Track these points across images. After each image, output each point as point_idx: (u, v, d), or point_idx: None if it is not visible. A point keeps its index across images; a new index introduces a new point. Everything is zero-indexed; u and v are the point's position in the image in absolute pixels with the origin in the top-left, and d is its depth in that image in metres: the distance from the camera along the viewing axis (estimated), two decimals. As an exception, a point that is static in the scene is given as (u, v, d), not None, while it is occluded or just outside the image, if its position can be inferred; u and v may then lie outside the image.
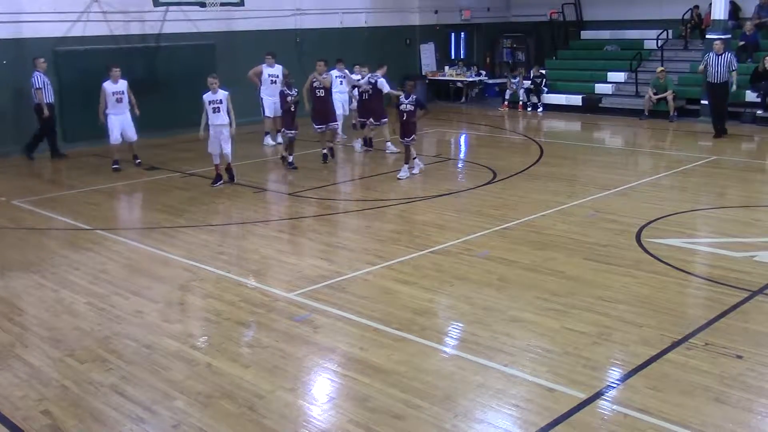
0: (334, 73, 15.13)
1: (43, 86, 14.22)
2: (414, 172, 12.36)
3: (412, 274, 7.76)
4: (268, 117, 15.72)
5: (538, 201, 10.64)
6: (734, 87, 15.81)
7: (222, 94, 11.47)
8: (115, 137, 13.30)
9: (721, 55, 15.39)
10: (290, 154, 13.21)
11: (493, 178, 12.25)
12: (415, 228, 9.57)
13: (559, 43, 23.05)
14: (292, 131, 13.09)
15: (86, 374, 5.64)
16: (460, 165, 14.31)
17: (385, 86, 14.18)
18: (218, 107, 11.46)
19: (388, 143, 14.34)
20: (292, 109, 12.97)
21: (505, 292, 7.19)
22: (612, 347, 5.93)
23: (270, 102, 15.55)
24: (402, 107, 12.15)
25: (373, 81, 14.10)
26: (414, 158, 12.40)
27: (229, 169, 12.13)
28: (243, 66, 16.57)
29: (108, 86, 13.12)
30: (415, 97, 12.28)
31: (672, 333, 6.11)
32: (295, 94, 12.98)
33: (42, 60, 14.38)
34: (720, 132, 15.67)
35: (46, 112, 14.25)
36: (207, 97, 11.49)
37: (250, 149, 15.40)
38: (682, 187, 11.59)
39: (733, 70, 15.51)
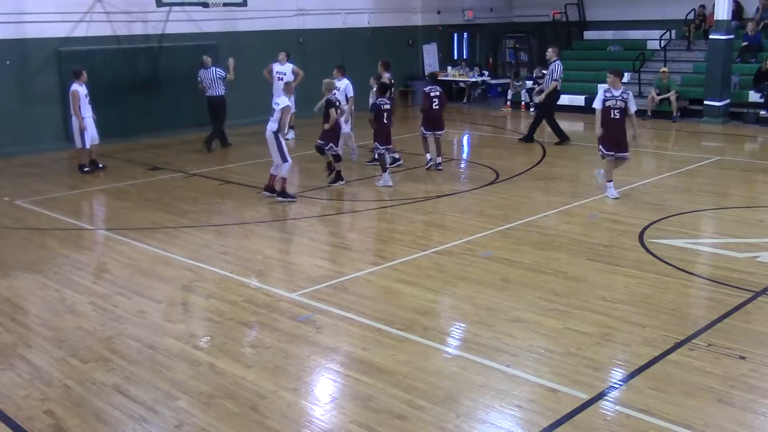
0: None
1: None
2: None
3: (414, 274, 7.76)
4: None
5: (540, 201, 10.63)
6: (539, 98, 15.22)
7: (284, 101, 10.83)
8: (94, 138, 13.20)
9: (553, 62, 14.99)
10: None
11: (496, 178, 12.24)
12: (417, 228, 9.57)
13: (562, 44, 23.02)
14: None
15: (89, 374, 5.65)
16: (462, 165, 14.30)
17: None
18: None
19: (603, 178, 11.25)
20: (384, 120, 11.68)
21: (507, 292, 7.19)
22: (615, 348, 5.93)
23: (276, 99, 15.66)
24: (385, 107, 11.77)
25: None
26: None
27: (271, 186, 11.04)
28: (245, 66, 16.59)
29: (81, 89, 12.95)
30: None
31: (675, 333, 6.11)
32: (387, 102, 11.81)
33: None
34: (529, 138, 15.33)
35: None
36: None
37: (252, 149, 15.42)
38: (685, 187, 11.57)
39: (555, 79, 14.83)
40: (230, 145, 15.67)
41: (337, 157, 11.84)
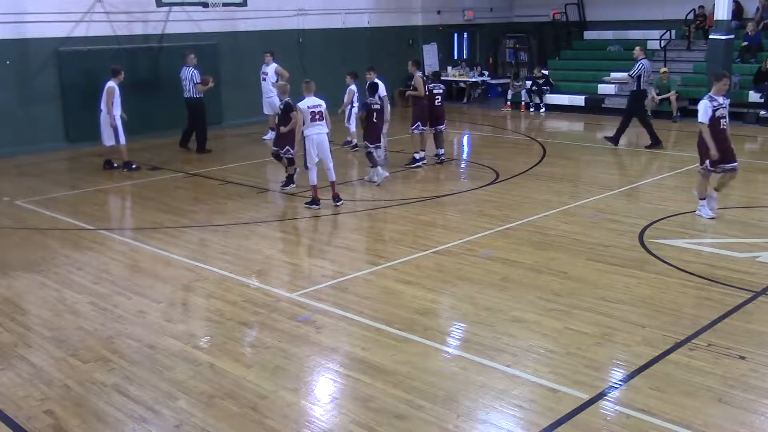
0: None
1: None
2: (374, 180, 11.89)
3: (414, 274, 7.76)
4: (265, 113, 15.91)
5: (540, 201, 10.63)
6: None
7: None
8: (125, 137, 13.25)
9: (640, 60, 14.69)
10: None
11: (496, 178, 12.24)
12: (417, 228, 9.57)
13: (562, 44, 23.04)
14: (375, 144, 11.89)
15: (89, 374, 5.65)
16: (462, 165, 14.30)
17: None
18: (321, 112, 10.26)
19: None
20: (374, 119, 11.81)
21: (507, 292, 7.18)
22: (615, 348, 5.93)
23: (264, 99, 15.69)
24: (375, 106, 11.84)
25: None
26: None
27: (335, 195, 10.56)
28: (245, 66, 16.61)
29: (117, 87, 13.05)
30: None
31: (674, 333, 6.11)
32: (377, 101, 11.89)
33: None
34: None
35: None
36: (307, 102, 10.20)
37: (253, 149, 15.42)
38: (685, 187, 11.52)
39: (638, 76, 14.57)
40: (190, 150, 15.12)
41: (291, 161, 11.46)
